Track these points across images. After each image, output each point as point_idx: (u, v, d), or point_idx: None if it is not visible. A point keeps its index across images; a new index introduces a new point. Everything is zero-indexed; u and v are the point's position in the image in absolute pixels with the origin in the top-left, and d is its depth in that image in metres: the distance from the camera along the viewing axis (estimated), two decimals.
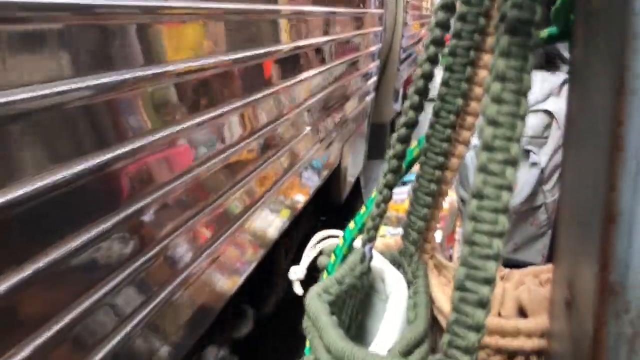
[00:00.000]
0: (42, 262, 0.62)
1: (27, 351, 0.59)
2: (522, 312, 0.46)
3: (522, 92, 0.31)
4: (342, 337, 0.37)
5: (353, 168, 2.48)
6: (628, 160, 0.24)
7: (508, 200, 0.30)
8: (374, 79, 2.78)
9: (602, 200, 0.25)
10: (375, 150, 3.16)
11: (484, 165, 0.30)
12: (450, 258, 2.52)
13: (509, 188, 0.30)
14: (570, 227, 0.32)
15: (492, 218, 0.30)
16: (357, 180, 2.76)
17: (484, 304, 0.30)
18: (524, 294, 0.45)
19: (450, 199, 2.30)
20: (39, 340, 0.61)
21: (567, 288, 0.32)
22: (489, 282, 0.30)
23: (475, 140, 1.24)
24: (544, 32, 0.43)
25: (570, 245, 0.32)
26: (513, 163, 0.30)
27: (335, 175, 2.15)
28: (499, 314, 0.45)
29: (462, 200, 1.48)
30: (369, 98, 2.67)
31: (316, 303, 0.41)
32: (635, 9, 0.23)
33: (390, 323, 0.44)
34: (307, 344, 0.43)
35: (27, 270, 0.60)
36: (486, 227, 0.30)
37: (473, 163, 1.39)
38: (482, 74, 0.42)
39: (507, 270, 0.50)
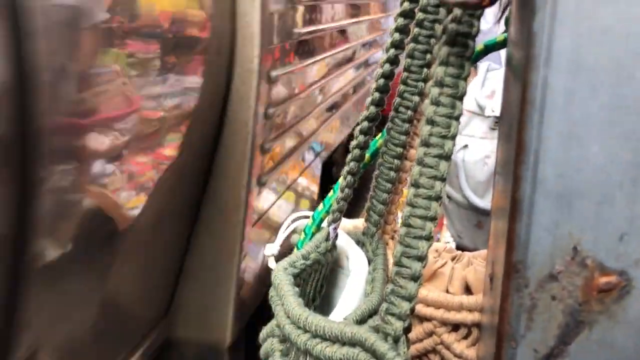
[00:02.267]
0: None
1: None
2: (470, 290, 0.51)
3: (458, 96, 0.35)
4: (301, 304, 0.42)
5: None
6: (527, 157, 0.29)
7: (440, 190, 0.35)
8: None
9: (510, 191, 0.30)
10: None
11: (420, 158, 0.35)
12: (438, 240, 2.57)
13: (442, 179, 0.35)
14: (496, 214, 0.37)
15: (426, 204, 0.35)
16: None
17: (416, 278, 0.35)
18: (470, 274, 0.50)
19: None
20: None
21: (491, 266, 0.37)
22: (421, 259, 0.35)
23: (464, 141, 1.27)
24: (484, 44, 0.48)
25: (496, 229, 0.37)
26: (446, 158, 0.35)
27: None
28: (447, 291, 0.50)
29: (448, 197, 1.52)
30: None
31: (281, 275, 0.46)
32: (534, 27, 0.28)
33: (350, 296, 0.49)
34: None
35: None
36: (420, 212, 0.35)
37: (463, 163, 1.43)
38: (433, 69, 0.46)
39: (459, 252, 0.55)
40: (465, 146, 1.41)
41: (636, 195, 0.28)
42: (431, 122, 0.35)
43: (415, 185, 0.35)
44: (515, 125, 0.30)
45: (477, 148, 1.44)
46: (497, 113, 1.42)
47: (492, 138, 1.44)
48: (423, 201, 0.35)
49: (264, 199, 1.25)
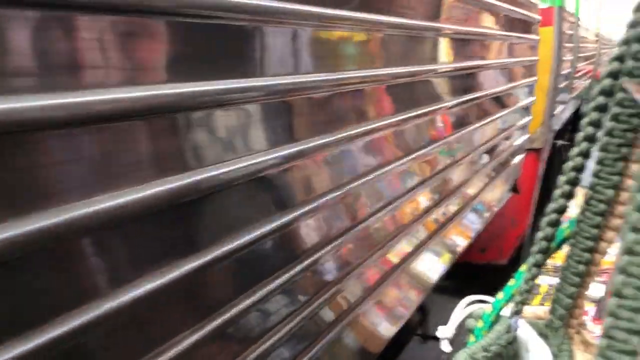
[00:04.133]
0: None
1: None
2: None
3: None
4: None
5: None
6: None
7: None
8: None
9: None
10: None
11: (624, 267, 0.34)
12: None
13: None
14: None
15: (630, 316, 0.33)
16: None
17: None
18: None
19: None
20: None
21: None
22: None
23: None
24: None
25: None
26: None
27: None
28: None
29: None
30: None
31: None
32: None
33: None
34: None
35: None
36: (624, 324, 0.33)
37: None
38: (635, 167, 0.44)
39: None
40: None
41: None
42: (637, 229, 0.34)
43: (618, 295, 0.34)
44: None
45: None
46: None
47: None
48: (627, 313, 0.33)
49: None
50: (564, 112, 3.41)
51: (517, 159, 2.42)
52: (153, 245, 0.63)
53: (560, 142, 3.23)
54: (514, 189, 2.47)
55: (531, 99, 2.50)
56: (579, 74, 3.87)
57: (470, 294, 0.66)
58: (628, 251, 0.34)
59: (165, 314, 0.66)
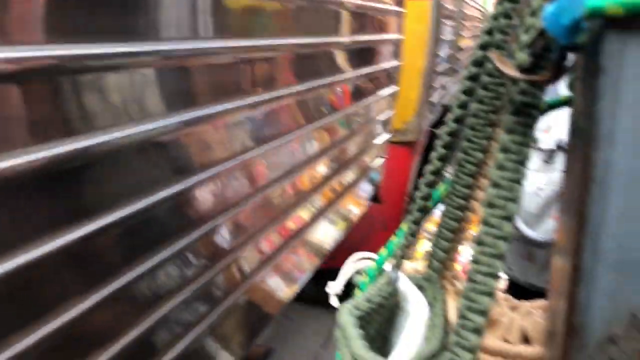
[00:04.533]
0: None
1: None
2: (529, 340, 0.53)
3: (522, 161, 0.38)
4: (365, 347, 0.45)
5: None
6: (588, 229, 0.31)
7: (504, 249, 0.37)
8: None
9: (571, 256, 0.33)
10: None
11: (485, 219, 0.38)
12: None
13: (505, 239, 0.37)
14: (556, 274, 0.39)
15: (489, 262, 0.37)
16: None
17: (478, 331, 0.37)
18: (529, 324, 0.52)
19: None
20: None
21: (551, 321, 0.39)
22: (484, 313, 0.37)
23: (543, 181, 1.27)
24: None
25: (555, 286, 0.39)
26: (509, 219, 0.38)
27: None
28: (505, 340, 0.52)
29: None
30: None
31: (346, 317, 0.49)
32: (597, 111, 0.30)
33: (408, 340, 0.51)
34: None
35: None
36: (484, 269, 0.37)
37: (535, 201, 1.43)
38: (500, 132, 0.49)
39: (518, 301, 0.56)
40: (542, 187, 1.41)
41: None
42: (496, 185, 0.38)
43: (479, 243, 0.38)
44: (576, 197, 0.32)
45: (530, 180, 1.41)
46: (551, 146, 1.41)
47: (545, 171, 1.44)
48: (486, 259, 0.38)
49: None
50: (443, 98, 3.05)
51: (375, 163, 2.04)
52: (35, 213, 0.61)
53: (439, 131, 2.88)
54: (375, 198, 2.10)
55: (392, 89, 2.06)
56: (462, 54, 3.55)
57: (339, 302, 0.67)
58: (488, 204, 0.38)
59: (52, 282, 0.65)
